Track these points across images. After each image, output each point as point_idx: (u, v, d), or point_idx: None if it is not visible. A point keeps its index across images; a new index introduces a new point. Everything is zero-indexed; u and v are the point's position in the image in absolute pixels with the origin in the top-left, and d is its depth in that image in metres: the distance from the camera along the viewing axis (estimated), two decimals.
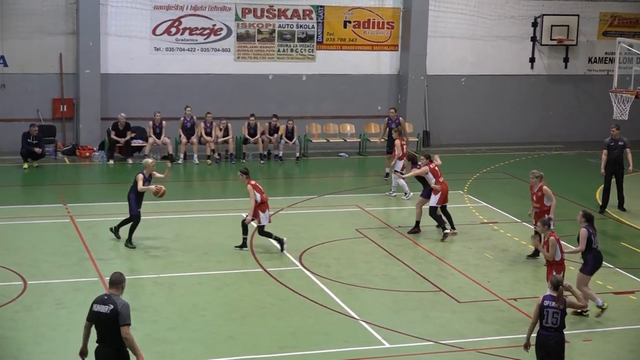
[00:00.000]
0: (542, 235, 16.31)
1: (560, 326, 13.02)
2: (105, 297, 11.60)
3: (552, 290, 13.13)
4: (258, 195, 19.25)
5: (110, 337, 11.43)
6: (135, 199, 19.68)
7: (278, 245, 19.56)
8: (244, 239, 19.55)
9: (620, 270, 19.19)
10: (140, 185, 19.54)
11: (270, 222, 19.64)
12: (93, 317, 11.58)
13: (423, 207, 21.09)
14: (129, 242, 19.64)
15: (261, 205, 19.32)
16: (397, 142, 24.16)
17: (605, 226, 22.91)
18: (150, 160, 20.39)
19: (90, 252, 19.07)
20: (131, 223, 19.69)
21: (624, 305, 17.48)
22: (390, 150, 25.40)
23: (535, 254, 19.58)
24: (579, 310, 16.10)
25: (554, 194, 19.50)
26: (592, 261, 16.47)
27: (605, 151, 23.86)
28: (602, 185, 24.15)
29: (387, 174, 26.02)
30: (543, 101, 33.37)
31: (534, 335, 13.36)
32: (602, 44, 33.52)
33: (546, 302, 13.10)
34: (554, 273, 15.80)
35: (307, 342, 15.19)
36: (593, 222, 16.60)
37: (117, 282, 11.78)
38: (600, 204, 23.80)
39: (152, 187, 19.70)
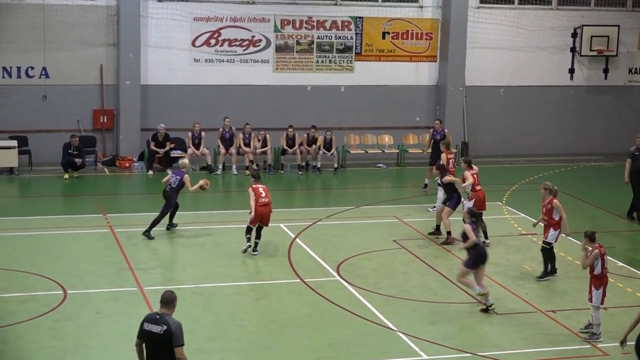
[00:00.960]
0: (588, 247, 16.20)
1: None
2: (158, 317, 11.38)
3: None
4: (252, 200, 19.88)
5: (163, 358, 11.29)
6: (176, 197, 21.21)
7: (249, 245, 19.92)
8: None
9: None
10: (190, 187, 21.02)
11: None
12: (144, 336, 11.39)
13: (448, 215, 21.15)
14: (147, 232, 20.91)
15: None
16: (444, 155, 23.15)
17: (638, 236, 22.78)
18: (187, 161, 22.10)
19: (130, 262, 19.23)
20: (164, 214, 21.10)
21: None
22: (434, 162, 24.96)
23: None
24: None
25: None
26: (474, 256, 17.18)
27: (629, 160, 23.77)
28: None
29: (426, 185, 25.93)
30: (582, 112, 33.18)
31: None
32: None
33: None
34: (594, 288, 15.80)
35: (345, 353, 15.21)
36: (478, 218, 17.62)
37: (168, 301, 11.51)
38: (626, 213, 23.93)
39: (201, 182, 21.18)
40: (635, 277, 19.51)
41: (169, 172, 22.22)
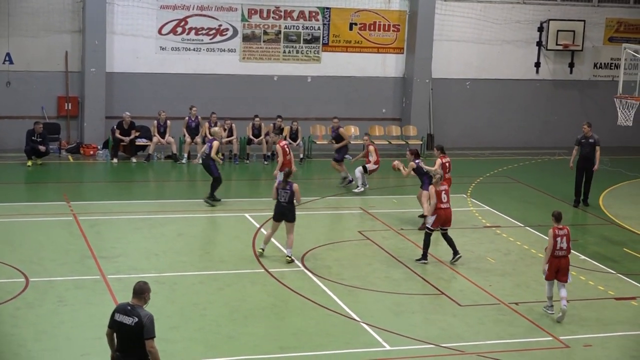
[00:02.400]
0: None
1: None
2: (129, 308, 11.24)
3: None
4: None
5: (133, 349, 11.16)
6: (213, 164, 22.45)
7: None
8: None
9: (621, 276, 19.18)
10: (213, 153, 22.32)
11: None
12: (115, 326, 11.27)
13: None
14: (210, 199, 22.07)
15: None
16: (439, 160, 22.31)
17: (608, 232, 22.91)
18: (217, 129, 23.99)
19: (93, 250, 19.10)
20: (215, 184, 22.47)
21: (625, 311, 17.49)
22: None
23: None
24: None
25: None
26: (427, 180, 19.98)
27: (576, 147, 24.16)
28: (581, 181, 24.25)
29: (344, 179, 26.02)
30: (548, 106, 33.36)
31: None
32: (608, 49, 33.52)
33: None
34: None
35: (308, 343, 15.21)
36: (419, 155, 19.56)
37: (140, 292, 11.35)
38: (578, 198, 24.31)
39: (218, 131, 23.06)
40: (598, 270, 19.66)
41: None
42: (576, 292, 18.10)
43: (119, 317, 11.24)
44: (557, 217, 16.73)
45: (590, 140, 24.10)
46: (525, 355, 15.15)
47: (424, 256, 19.38)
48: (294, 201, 18.95)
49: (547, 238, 21.29)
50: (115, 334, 11.34)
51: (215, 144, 22.64)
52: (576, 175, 24.45)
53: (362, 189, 24.84)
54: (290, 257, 18.94)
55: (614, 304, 17.78)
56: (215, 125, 28.41)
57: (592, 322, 16.84)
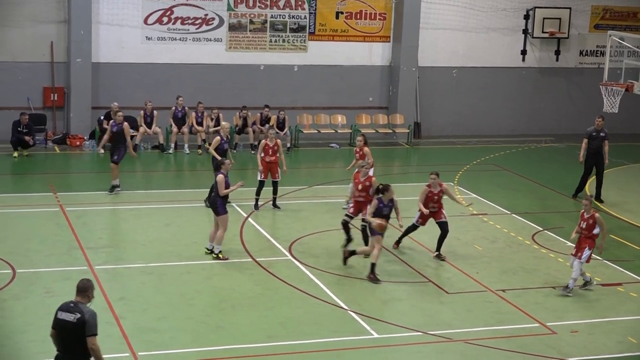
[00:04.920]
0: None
1: None
2: (72, 305, 10.98)
3: None
4: None
5: (75, 348, 10.89)
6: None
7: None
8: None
9: (608, 263, 19.26)
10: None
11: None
12: (57, 325, 10.98)
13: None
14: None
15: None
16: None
17: None
18: (225, 123, 22.63)
19: (80, 241, 19.07)
20: None
21: (611, 297, 17.58)
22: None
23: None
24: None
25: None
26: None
27: (585, 140, 23.99)
28: (589, 176, 24.24)
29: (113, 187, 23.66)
30: (534, 94, 33.41)
31: None
32: (594, 37, 33.58)
33: None
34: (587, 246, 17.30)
35: (296, 332, 15.24)
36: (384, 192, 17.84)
37: (83, 289, 11.08)
38: (593, 194, 24.01)
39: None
40: None
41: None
42: (563, 279, 18.18)
43: (62, 315, 10.98)
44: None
45: (601, 134, 23.94)
46: (512, 342, 15.22)
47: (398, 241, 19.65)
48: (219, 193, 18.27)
49: (532, 225, 21.46)
50: (57, 335, 11.04)
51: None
52: (585, 169, 24.13)
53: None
54: (209, 249, 18.60)
55: (601, 290, 17.87)
56: (202, 115, 28.41)
57: (578, 308, 16.94)
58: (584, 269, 17.60)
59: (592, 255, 17.58)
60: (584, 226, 17.53)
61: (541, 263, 19.27)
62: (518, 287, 17.73)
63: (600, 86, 23.73)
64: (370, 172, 19.55)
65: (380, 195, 17.94)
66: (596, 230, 17.41)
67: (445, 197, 19.36)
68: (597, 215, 17.50)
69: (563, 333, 15.66)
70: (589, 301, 17.31)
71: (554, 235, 21.10)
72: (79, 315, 10.90)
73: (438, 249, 19.20)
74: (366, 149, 21.95)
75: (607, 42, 24.34)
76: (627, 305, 17.23)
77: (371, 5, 31.35)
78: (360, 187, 19.07)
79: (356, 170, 19.51)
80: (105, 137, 23.39)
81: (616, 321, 16.40)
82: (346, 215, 19.23)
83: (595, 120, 24.17)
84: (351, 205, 19.20)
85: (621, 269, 18.86)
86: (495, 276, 18.33)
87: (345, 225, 19.17)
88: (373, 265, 17.75)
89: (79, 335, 10.86)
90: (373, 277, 17.69)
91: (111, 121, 23.23)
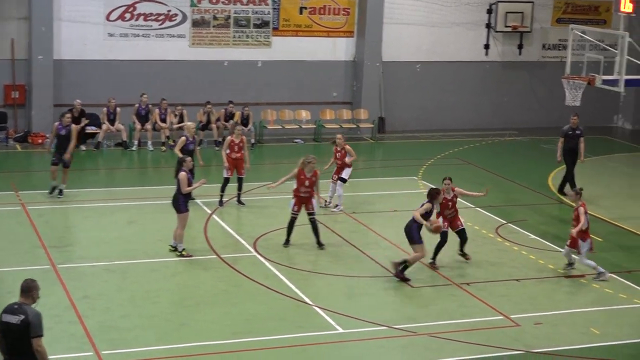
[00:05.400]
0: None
1: None
2: (16, 307, 10.74)
3: None
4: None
5: (21, 350, 10.67)
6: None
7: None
8: None
9: (571, 255, 19.35)
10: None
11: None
12: (2, 328, 10.73)
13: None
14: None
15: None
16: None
17: (557, 211, 23.17)
18: (190, 124, 22.08)
19: (42, 240, 18.92)
20: None
21: (574, 289, 17.72)
22: None
23: None
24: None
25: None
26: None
27: (562, 139, 24.07)
28: (573, 170, 24.28)
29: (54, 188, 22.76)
30: (497, 87, 33.54)
31: None
32: (556, 30, 33.74)
33: None
34: (581, 240, 17.77)
35: (261, 328, 15.23)
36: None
37: (27, 289, 10.85)
38: (557, 189, 24.16)
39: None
40: (548, 249, 19.86)
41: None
42: (526, 271, 18.31)
43: (5, 318, 10.74)
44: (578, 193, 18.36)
45: (577, 132, 24.08)
46: (476, 335, 15.28)
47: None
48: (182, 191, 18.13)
49: (496, 218, 21.56)
50: (3, 338, 10.79)
51: (181, 139, 21.51)
52: (567, 166, 24.17)
53: (340, 209, 22.35)
54: (173, 246, 18.50)
55: (564, 282, 18.00)
56: (166, 112, 28.29)
57: (542, 300, 17.06)
58: (573, 254, 18.19)
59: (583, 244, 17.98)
60: (573, 217, 18.12)
61: (505, 256, 19.37)
62: (482, 280, 17.82)
63: (563, 80, 23.81)
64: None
65: (432, 200, 17.71)
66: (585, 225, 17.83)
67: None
68: (580, 208, 17.89)
69: (527, 325, 15.76)
70: (552, 293, 17.44)
71: (517, 228, 21.22)
72: (23, 317, 10.68)
73: (462, 249, 18.83)
74: (348, 146, 22.02)
75: (569, 35, 24.42)
76: (589, 297, 17.36)
77: (335, 1, 31.32)
78: (307, 183, 19.09)
79: (299, 167, 19.38)
80: (51, 137, 23.00)
81: (579, 313, 16.54)
82: (292, 213, 19.21)
83: (570, 119, 24.32)
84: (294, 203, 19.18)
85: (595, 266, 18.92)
86: (459, 269, 18.40)
87: (291, 225, 19.18)
88: (407, 265, 17.61)
89: (25, 337, 10.64)
90: (402, 276, 17.56)
91: (57, 123, 22.64)
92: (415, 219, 17.49)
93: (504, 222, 21.70)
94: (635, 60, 22.73)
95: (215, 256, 18.53)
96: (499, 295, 17.09)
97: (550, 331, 15.63)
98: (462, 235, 18.79)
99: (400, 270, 17.61)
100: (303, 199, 19.16)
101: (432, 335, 15.19)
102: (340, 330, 15.32)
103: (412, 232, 17.54)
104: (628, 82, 22.46)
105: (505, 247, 19.93)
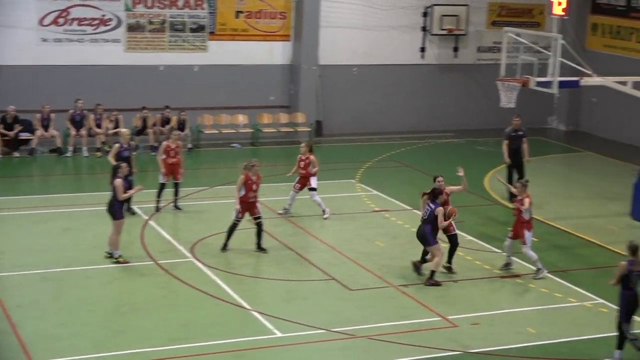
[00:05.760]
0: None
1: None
2: None
3: (631, 255, 14.53)
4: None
5: None
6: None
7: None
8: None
9: (497, 252, 19.49)
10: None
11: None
12: None
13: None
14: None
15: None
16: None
17: (493, 212, 23.35)
18: (125, 130, 21.75)
19: None
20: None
21: (510, 289, 17.87)
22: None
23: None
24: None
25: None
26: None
27: (506, 141, 24.23)
28: (512, 173, 24.40)
29: None
30: (434, 90, 33.73)
31: None
32: (491, 33, 34.03)
33: (631, 267, 14.40)
34: (526, 230, 18.13)
35: (199, 334, 15.13)
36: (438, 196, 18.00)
37: None
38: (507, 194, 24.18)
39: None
40: (484, 250, 20.03)
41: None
42: (463, 272, 18.42)
43: None
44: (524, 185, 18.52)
45: (519, 133, 24.27)
46: (414, 336, 15.35)
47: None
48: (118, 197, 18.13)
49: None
50: None
51: (115, 146, 21.47)
52: (508, 170, 24.32)
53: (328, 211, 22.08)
54: (109, 253, 18.42)
55: (500, 282, 18.15)
56: (101, 117, 28.01)
57: (479, 300, 17.19)
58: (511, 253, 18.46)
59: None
60: (516, 207, 18.48)
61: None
62: (420, 282, 17.89)
63: (497, 82, 24.02)
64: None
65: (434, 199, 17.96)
66: (526, 215, 18.22)
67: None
68: (525, 199, 18.27)
69: (464, 326, 15.86)
70: (489, 293, 17.58)
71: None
72: None
73: (449, 260, 18.67)
74: (312, 157, 21.85)
75: (503, 38, 24.65)
76: (525, 297, 17.54)
77: (271, 4, 31.28)
78: (254, 187, 19.08)
79: (243, 173, 19.30)
80: None
81: (515, 312, 16.69)
82: (236, 219, 19.14)
83: (512, 121, 24.51)
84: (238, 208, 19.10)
85: (519, 261, 19.11)
86: (398, 272, 18.46)
87: (232, 230, 19.11)
88: (433, 272, 17.75)
89: None
90: (433, 282, 17.72)
91: None
92: (442, 227, 17.83)
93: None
94: (568, 62, 23.01)
95: (152, 262, 18.38)
96: (436, 297, 17.18)
97: (487, 331, 15.75)
98: (453, 240, 18.59)
99: (429, 279, 17.77)
100: (249, 205, 19.11)
101: (370, 338, 15.22)
102: (279, 334, 15.28)
103: (427, 237, 17.78)
104: (561, 84, 22.69)
105: (441, 249, 19.98)
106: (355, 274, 18.19)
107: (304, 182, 21.76)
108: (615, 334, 14.75)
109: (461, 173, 19.29)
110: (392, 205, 23.23)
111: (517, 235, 18.38)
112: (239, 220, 19.17)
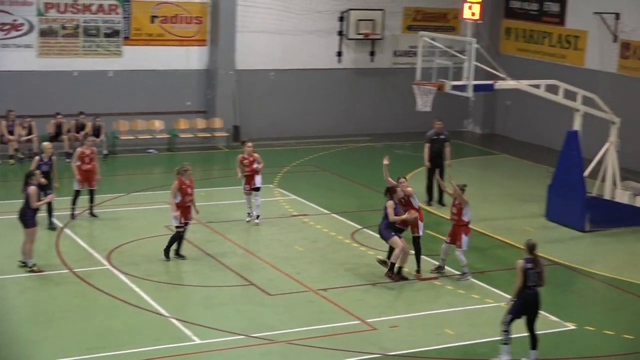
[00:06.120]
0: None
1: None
2: None
3: (529, 253, 14.72)
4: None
5: None
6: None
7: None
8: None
9: (424, 257, 19.54)
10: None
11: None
12: None
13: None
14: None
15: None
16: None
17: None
18: (45, 144, 21.14)
19: None
20: None
21: (428, 291, 17.99)
22: None
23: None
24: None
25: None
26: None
27: (427, 144, 24.31)
28: (433, 178, 24.46)
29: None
30: (351, 94, 33.86)
31: None
32: (407, 37, 34.30)
33: (528, 265, 14.64)
34: (464, 234, 18.38)
35: (116, 343, 14.93)
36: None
37: None
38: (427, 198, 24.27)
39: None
40: None
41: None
42: (382, 275, 18.47)
43: None
44: (462, 189, 18.57)
45: (441, 137, 24.36)
46: (334, 340, 15.35)
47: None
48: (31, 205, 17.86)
49: (351, 224, 21.79)
50: None
51: (35, 159, 20.83)
52: (428, 174, 24.32)
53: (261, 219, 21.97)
54: (22, 262, 18.09)
55: (419, 285, 18.26)
56: (14, 124, 27.50)
57: (397, 303, 17.28)
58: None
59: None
60: (454, 211, 18.58)
61: (361, 261, 19.53)
62: (339, 286, 17.91)
63: (413, 85, 24.20)
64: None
65: (390, 196, 18.25)
66: (466, 218, 18.46)
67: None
68: (463, 199, 18.49)
69: (383, 329, 15.92)
70: (408, 296, 17.67)
71: (372, 233, 21.41)
72: None
73: (417, 266, 18.79)
74: (256, 154, 21.76)
75: (418, 42, 24.85)
76: (443, 298, 17.67)
77: (186, 9, 31.07)
78: (189, 190, 18.94)
79: (177, 178, 19.11)
80: None
81: (434, 314, 16.80)
82: (177, 227, 18.91)
83: (434, 124, 24.63)
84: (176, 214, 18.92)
85: (436, 263, 19.22)
86: (317, 276, 18.47)
87: (176, 239, 18.93)
88: (392, 265, 18.13)
89: None
90: (399, 277, 18.17)
91: None
92: (393, 220, 18.04)
93: (360, 227, 21.90)
94: (482, 66, 23.29)
95: (67, 271, 18.08)
96: (355, 300, 17.21)
97: (406, 334, 15.83)
98: (415, 243, 18.73)
99: (395, 273, 18.12)
100: (185, 209, 18.93)
101: (290, 343, 15.18)
102: (198, 340, 15.16)
103: (382, 232, 18.24)
104: (476, 87, 22.93)
105: (361, 253, 20.09)
106: (274, 279, 18.13)
107: (250, 180, 21.57)
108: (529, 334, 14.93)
109: (386, 162, 19.49)
110: (310, 210, 23.24)
111: (454, 240, 18.57)
112: (181, 227, 18.92)
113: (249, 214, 21.79)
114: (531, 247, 14.76)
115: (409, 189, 18.67)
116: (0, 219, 21.20)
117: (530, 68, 31.84)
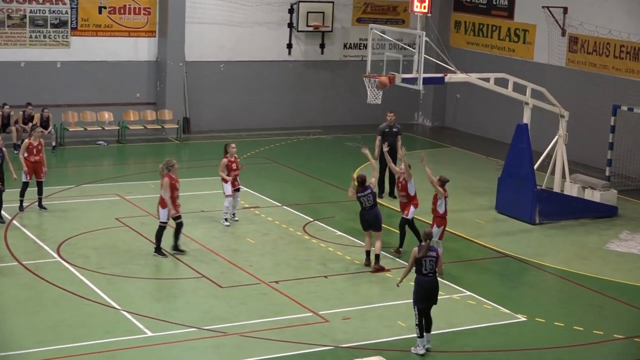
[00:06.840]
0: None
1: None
2: None
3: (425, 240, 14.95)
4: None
5: None
6: None
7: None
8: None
9: (383, 252, 19.66)
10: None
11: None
12: None
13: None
14: None
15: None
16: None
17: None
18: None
19: None
20: None
21: (381, 284, 18.05)
22: None
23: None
24: None
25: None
26: None
27: (379, 137, 24.28)
28: (385, 172, 24.48)
29: None
30: (301, 87, 33.84)
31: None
32: (357, 30, 34.36)
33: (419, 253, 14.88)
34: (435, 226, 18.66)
35: (67, 336, 14.81)
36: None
37: None
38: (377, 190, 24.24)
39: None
40: (354, 245, 20.16)
41: None
42: (334, 267, 18.52)
43: None
44: (443, 182, 19.10)
45: (394, 129, 24.31)
46: (286, 332, 15.35)
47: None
48: None
49: (303, 216, 21.79)
50: None
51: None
52: (380, 167, 24.25)
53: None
54: None
55: (371, 277, 18.32)
56: None
57: (350, 295, 17.30)
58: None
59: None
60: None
61: (313, 253, 19.55)
62: (291, 278, 17.92)
63: (364, 78, 24.23)
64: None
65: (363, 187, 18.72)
66: (441, 209, 18.81)
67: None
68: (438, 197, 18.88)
69: (335, 321, 15.95)
70: (360, 288, 17.72)
71: (324, 226, 21.47)
72: None
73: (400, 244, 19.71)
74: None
75: (368, 35, 24.90)
76: (396, 291, 17.65)
77: (135, 0, 30.81)
78: (178, 185, 18.90)
79: (164, 175, 18.88)
80: None
81: (386, 306, 16.86)
82: (162, 222, 18.70)
83: (386, 116, 24.60)
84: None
85: (389, 256, 19.34)
86: (269, 268, 18.45)
87: (161, 233, 18.79)
88: (377, 256, 18.66)
89: None
90: (379, 267, 18.63)
91: None
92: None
93: (311, 219, 21.91)
94: (432, 59, 23.38)
95: (16, 263, 17.87)
96: (307, 292, 17.22)
97: (359, 326, 15.87)
98: (401, 225, 19.61)
99: (377, 262, 18.67)
100: (174, 205, 18.77)
101: (243, 335, 15.15)
102: (150, 333, 15.07)
103: (381, 219, 18.97)
104: (426, 80, 22.98)
105: (312, 245, 20.11)
106: (226, 271, 18.09)
107: (234, 181, 21.38)
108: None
109: (365, 151, 19.81)
110: (262, 202, 23.20)
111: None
112: (166, 222, 18.73)
113: (226, 219, 21.45)
114: (428, 234, 14.97)
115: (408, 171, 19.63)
116: None
117: (479, 61, 32.09)
